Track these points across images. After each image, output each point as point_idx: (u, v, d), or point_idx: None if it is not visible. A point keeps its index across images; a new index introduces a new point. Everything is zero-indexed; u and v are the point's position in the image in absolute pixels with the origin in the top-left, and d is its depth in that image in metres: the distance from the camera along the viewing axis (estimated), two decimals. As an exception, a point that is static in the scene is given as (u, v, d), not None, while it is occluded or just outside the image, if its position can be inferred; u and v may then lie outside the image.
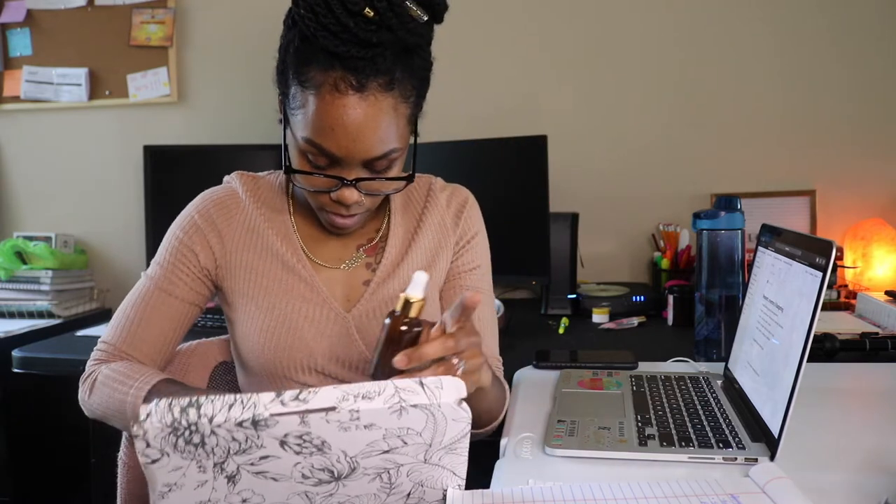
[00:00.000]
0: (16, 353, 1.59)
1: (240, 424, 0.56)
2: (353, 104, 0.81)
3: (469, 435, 0.63)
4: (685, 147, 2.04)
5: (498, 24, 2.09)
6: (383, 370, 0.75)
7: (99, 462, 1.60)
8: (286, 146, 0.91)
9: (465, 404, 0.60)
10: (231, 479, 0.61)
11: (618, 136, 2.07)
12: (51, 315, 2.02)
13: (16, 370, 1.59)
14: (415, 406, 0.57)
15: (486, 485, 0.75)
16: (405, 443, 0.60)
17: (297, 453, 0.59)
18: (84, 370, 0.94)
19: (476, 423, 0.91)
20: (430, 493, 0.64)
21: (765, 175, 2.00)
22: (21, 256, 2.05)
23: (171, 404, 0.57)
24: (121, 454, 1.03)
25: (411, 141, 0.93)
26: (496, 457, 0.84)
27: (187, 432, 0.57)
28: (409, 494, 0.64)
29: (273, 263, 0.97)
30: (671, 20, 2.02)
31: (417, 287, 0.73)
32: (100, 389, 0.89)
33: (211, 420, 0.56)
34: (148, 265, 0.99)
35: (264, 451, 0.59)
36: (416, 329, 0.74)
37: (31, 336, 1.84)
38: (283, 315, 0.95)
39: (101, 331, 1.79)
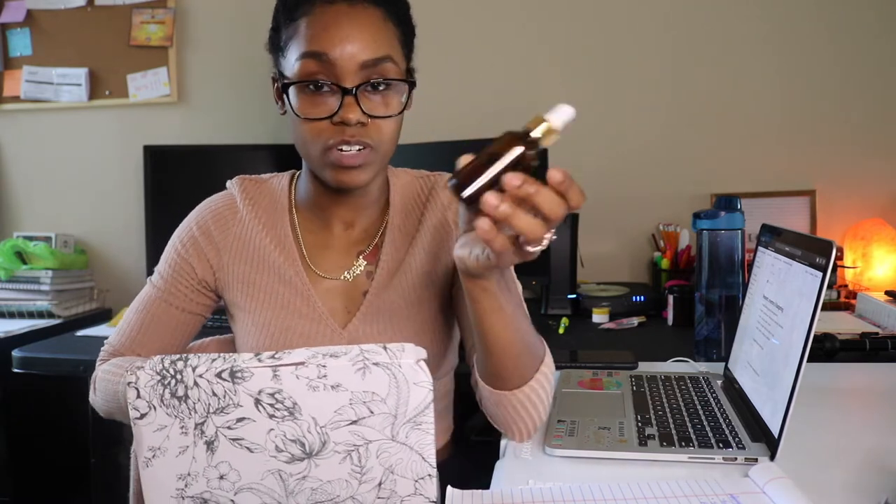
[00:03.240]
0: (16, 353, 1.59)
1: (219, 375, 0.62)
2: (344, 10, 0.85)
3: (432, 406, 0.62)
4: (685, 147, 2.04)
5: (497, 24, 2.09)
6: (481, 188, 0.64)
7: (99, 462, 1.60)
8: (287, 99, 0.88)
9: (424, 364, 0.62)
10: (210, 445, 0.65)
11: (618, 135, 2.07)
12: (51, 315, 2.02)
13: (16, 370, 1.58)
14: (377, 364, 0.61)
15: (487, 485, 0.75)
16: (371, 411, 0.63)
17: (271, 416, 0.63)
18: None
19: (499, 383, 0.82)
20: (401, 482, 0.65)
21: (765, 175, 2.00)
22: (21, 256, 2.05)
23: (163, 358, 0.64)
24: (133, 446, 1.04)
25: (405, 105, 0.91)
26: (496, 457, 0.84)
27: (173, 381, 0.63)
28: (380, 484, 0.65)
29: (270, 276, 0.96)
30: (671, 20, 2.02)
31: (560, 115, 0.64)
32: (100, 385, 0.93)
33: (195, 370, 0.63)
34: (148, 265, 1.00)
35: (241, 411, 0.63)
36: (538, 149, 0.64)
37: (31, 336, 1.84)
38: (277, 332, 0.94)
39: (100, 331, 1.80)
